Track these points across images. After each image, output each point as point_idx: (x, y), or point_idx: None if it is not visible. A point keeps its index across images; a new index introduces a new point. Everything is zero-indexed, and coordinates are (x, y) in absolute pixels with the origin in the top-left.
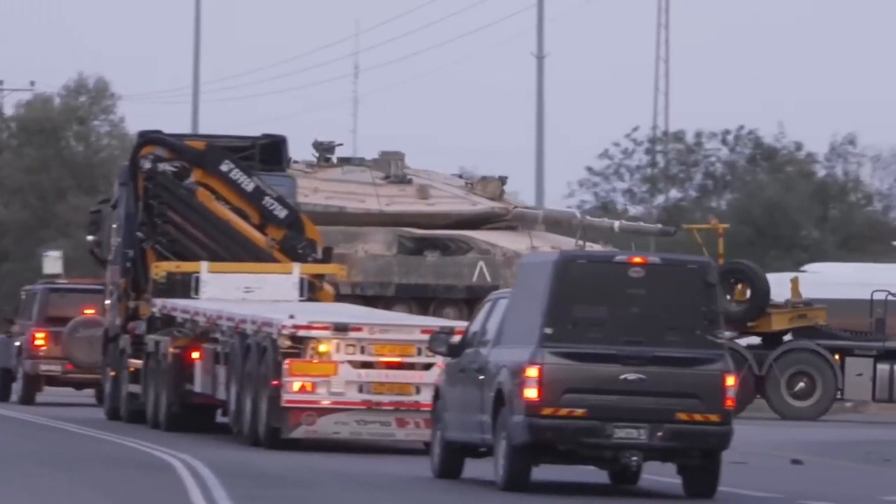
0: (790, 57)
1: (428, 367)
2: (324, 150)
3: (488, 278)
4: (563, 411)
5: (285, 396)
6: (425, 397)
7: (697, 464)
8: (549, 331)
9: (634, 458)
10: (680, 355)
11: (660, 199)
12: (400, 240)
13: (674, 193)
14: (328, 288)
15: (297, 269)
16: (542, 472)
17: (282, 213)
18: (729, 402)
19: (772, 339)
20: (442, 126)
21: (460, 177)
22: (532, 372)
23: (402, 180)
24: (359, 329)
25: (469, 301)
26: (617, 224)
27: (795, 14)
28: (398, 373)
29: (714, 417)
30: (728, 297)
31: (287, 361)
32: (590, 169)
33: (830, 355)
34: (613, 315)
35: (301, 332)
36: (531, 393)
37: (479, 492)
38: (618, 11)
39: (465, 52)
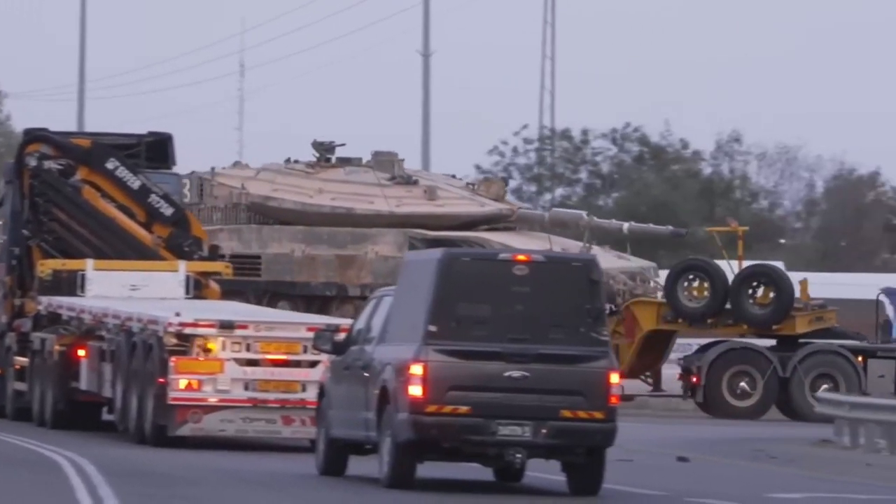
0: (676, 54)
1: (314, 364)
2: (324, 150)
3: None
4: (448, 409)
5: (171, 394)
6: (311, 395)
7: (581, 461)
8: (433, 328)
9: (518, 456)
10: (564, 353)
11: (547, 197)
12: (411, 241)
13: (561, 192)
14: (214, 285)
15: (182, 266)
16: (427, 470)
17: (168, 210)
18: (613, 400)
19: (789, 342)
20: (330, 123)
21: (453, 177)
22: (416, 369)
23: (409, 181)
24: (244, 327)
25: None
26: (626, 225)
27: (680, 11)
28: (284, 370)
29: (598, 415)
30: (750, 300)
31: (173, 359)
32: (478, 167)
33: (854, 357)
34: (498, 313)
35: (187, 330)
36: (416, 390)
37: (364, 489)
38: (504, 9)
39: (353, 49)
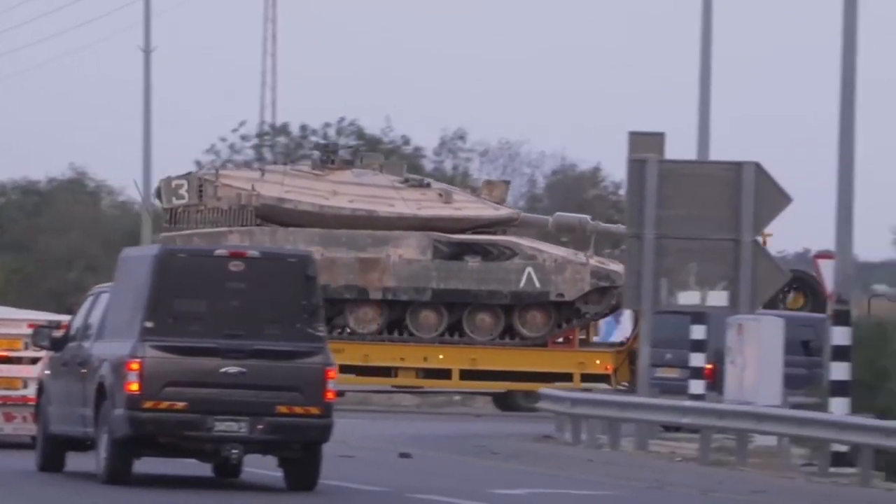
0: (398, 51)
1: (35, 361)
2: (329, 151)
3: (537, 284)
4: (164, 404)
5: None
6: (32, 391)
7: (298, 456)
8: (149, 324)
9: (235, 451)
10: (280, 348)
11: None
12: (435, 244)
13: None
14: None
15: None
16: (146, 466)
17: None
18: (329, 395)
19: None
20: (51, 121)
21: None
22: (132, 365)
23: (422, 184)
24: None
25: (510, 307)
26: None
27: (408, 7)
28: (5, 367)
29: (314, 410)
30: (782, 305)
31: None
32: (199, 164)
33: None
34: (214, 309)
35: None
36: (132, 386)
37: (81, 485)
38: (226, 5)
39: (73, 45)
